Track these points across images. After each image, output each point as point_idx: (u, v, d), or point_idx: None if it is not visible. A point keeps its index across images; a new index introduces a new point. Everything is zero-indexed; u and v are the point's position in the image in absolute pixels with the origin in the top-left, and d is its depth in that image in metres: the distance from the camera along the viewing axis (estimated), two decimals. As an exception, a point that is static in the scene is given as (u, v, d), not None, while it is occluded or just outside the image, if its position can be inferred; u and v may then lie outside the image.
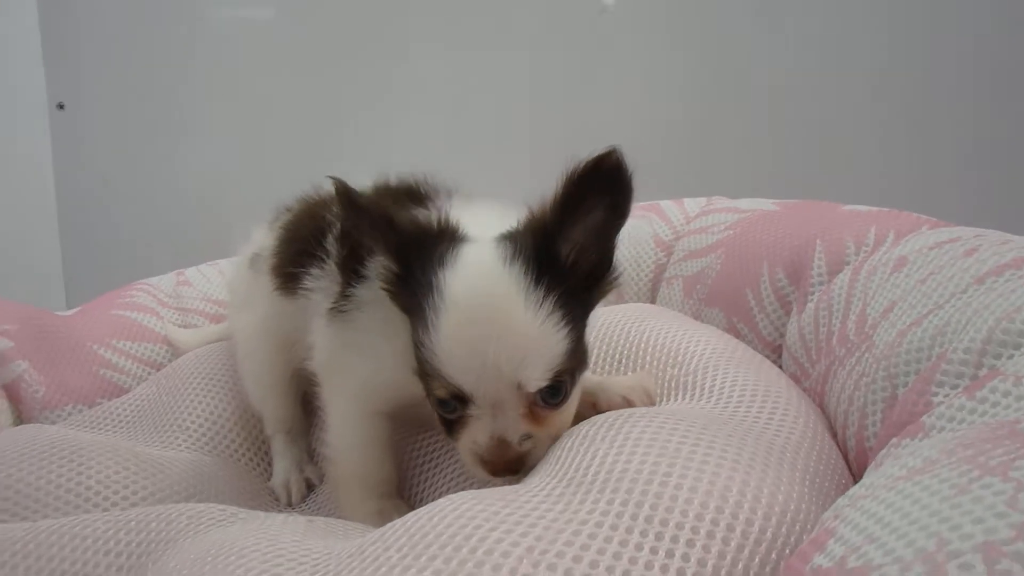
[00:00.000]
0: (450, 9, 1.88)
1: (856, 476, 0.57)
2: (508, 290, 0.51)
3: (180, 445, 0.82)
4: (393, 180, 0.72)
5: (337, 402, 0.69)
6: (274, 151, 1.98)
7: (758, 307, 0.84)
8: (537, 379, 0.52)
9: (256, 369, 0.83)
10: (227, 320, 0.99)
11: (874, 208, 0.82)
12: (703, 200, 1.10)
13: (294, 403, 0.84)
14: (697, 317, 0.93)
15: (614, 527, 0.40)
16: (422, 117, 1.94)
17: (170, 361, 1.03)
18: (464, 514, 0.42)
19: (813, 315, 0.75)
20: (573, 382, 0.56)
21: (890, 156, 1.76)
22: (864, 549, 0.31)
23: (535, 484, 0.49)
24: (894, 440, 0.48)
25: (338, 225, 0.67)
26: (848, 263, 0.76)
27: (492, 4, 1.86)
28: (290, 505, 0.79)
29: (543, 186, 0.54)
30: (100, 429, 0.89)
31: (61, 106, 2.06)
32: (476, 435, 0.54)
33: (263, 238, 0.82)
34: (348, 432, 0.69)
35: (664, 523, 0.41)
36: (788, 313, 0.82)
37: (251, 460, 0.85)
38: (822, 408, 0.67)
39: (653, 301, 1.05)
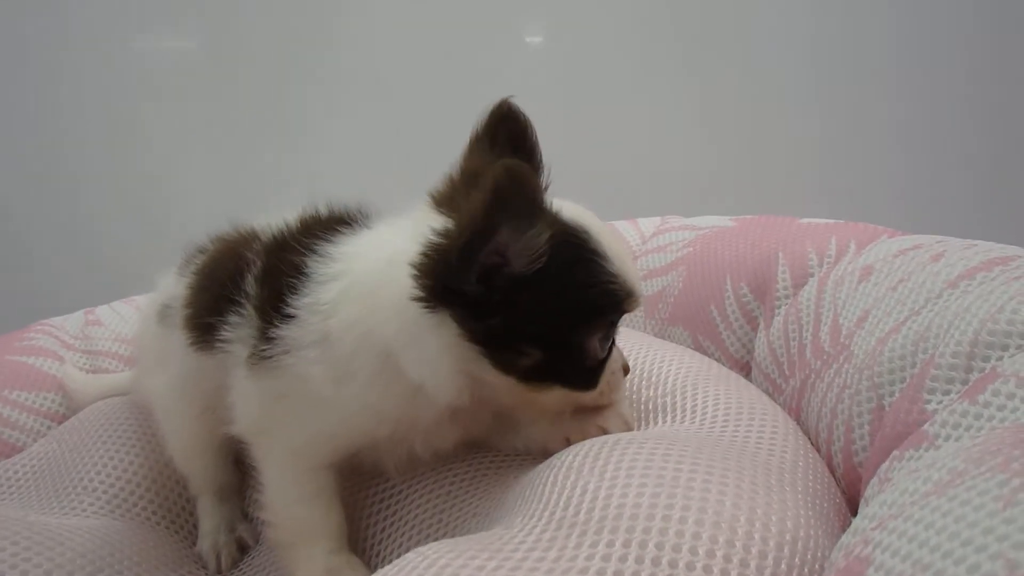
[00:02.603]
0: (375, 37, 1.86)
1: (845, 494, 0.55)
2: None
3: (85, 510, 0.72)
4: (323, 210, 0.65)
5: (273, 459, 0.61)
6: (194, 181, 1.89)
7: (724, 323, 0.83)
8: None
9: (177, 434, 0.73)
10: (133, 374, 0.87)
11: (830, 220, 0.82)
12: (657, 219, 1.09)
13: (224, 464, 0.75)
14: (661, 337, 0.91)
15: (619, 573, 0.36)
16: (351, 142, 1.90)
17: (73, 413, 0.91)
18: (443, 570, 0.37)
19: (782, 328, 0.73)
20: None
21: (832, 169, 1.82)
22: (916, 578, 0.28)
23: (519, 527, 0.44)
24: (895, 453, 0.45)
25: (259, 263, 0.60)
26: (813, 274, 0.75)
27: (412, 32, 1.85)
28: (219, 572, 0.70)
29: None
30: None
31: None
32: (615, 354, 0.58)
33: (172, 286, 0.72)
34: (288, 489, 0.61)
35: (674, 564, 0.37)
36: (755, 328, 0.80)
37: (172, 523, 0.75)
38: (799, 423, 0.65)
39: (613, 324, 1.02)
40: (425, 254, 0.50)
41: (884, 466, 0.46)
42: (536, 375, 0.53)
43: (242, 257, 0.62)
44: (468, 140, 0.61)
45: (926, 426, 0.44)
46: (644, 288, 0.98)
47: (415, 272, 0.50)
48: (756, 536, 0.39)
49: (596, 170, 1.59)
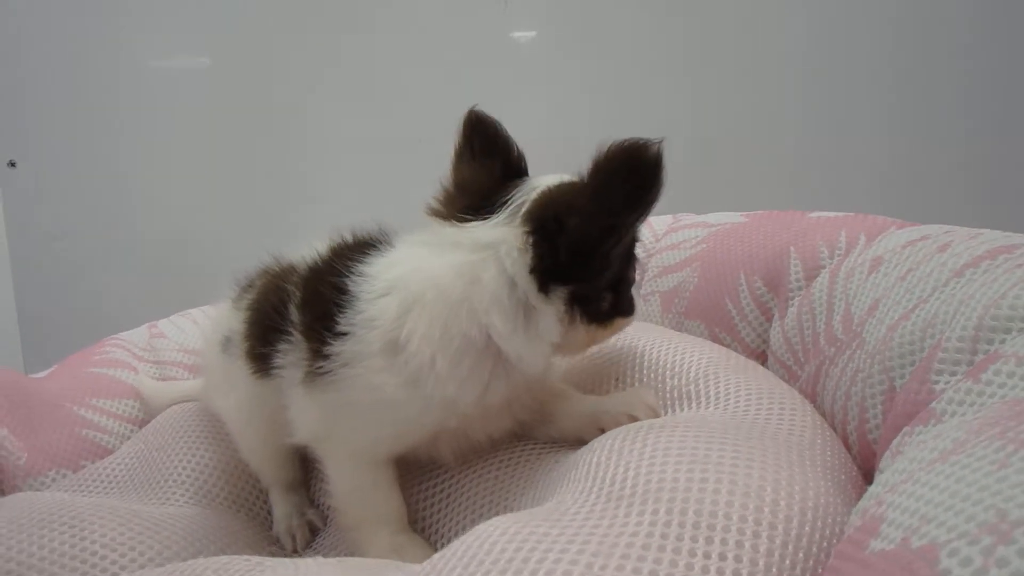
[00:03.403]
0: (384, 52, 1.91)
1: (860, 468, 0.60)
2: None
3: (178, 500, 0.80)
4: (349, 236, 0.71)
5: (336, 459, 0.68)
6: (229, 196, 1.97)
7: (739, 316, 0.87)
8: None
9: (247, 445, 0.81)
10: (201, 385, 0.94)
11: (839, 213, 0.86)
12: (669, 217, 1.13)
13: (291, 464, 0.82)
14: (678, 330, 0.96)
15: (664, 536, 0.41)
16: (368, 157, 1.96)
17: (150, 417, 1.00)
18: (514, 537, 0.42)
19: (796, 319, 0.78)
20: None
21: (838, 164, 1.85)
22: (924, 529, 0.32)
23: (571, 502, 0.49)
24: (906, 429, 0.50)
25: (298, 293, 0.66)
26: (824, 267, 0.80)
27: (416, 46, 1.90)
28: (296, 551, 0.76)
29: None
30: (90, 492, 0.85)
31: (12, 164, 2.03)
32: None
33: (230, 319, 0.79)
34: (350, 482, 0.67)
35: (711, 528, 0.41)
36: (769, 320, 0.85)
37: (251, 509, 0.83)
38: (815, 406, 0.70)
39: (633, 318, 1.07)
40: (533, 252, 0.58)
41: (896, 441, 0.50)
42: (609, 315, 0.64)
43: (284, 290, 0.68)
44: (453, 154, 0.67)
45: (933, 404, 0.49)
46: (660, 284, 1.03)
47: (537, 260, 0.58)
48: (782, 503, 0.44)
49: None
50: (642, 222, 0.61)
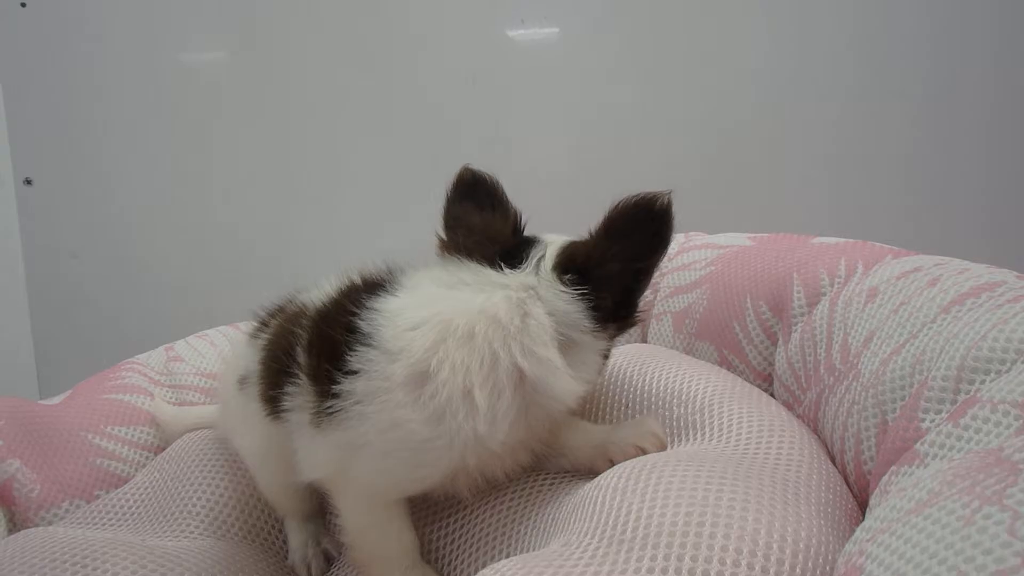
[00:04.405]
0: (404, 44, 1.93)
1: (857, 497, 0.63)
2: None
3: (192, 532, 0.81)
4: (358, 277, 0.73)
5: (347, 499, 0.69)
6: (249, 213, 2.00)
7: (746, 339, 0.90)
8: None
9: (263, 480, 0.83)
10: (217, 412, 0.96)
11: (841, 240, 0.89)
12: (681, 237, 1.16)
13: (307, 497, 0.83)
14: (689, 350, 0.99)
15: (663, 581, 0.45)
16: (387, 153, 1.98)
17: (166, 443, 1.01)
18: (521, 584, 0.46)
19: (799, 345, 0.81)
20: None
21: (841, 187, 1.86)
22: (894, 585, 0.36)
23: (575, 544, 0.53)
24: (893, 468, 0.53)
25: (305, 336, 0.68)
26: (824, 294, 0.82)
27: (434, 40, 1.92)
28: None
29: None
30: (104, 525, 0.86)
31: (28, 181, 2.06)
32: None
33: (247, 356, 0.81)
34: (362, 521, 0.69)
35: (706, 573, 0.45)
36: (775, 343, 0.88)
37: (265, 540, 0.85)
38: (816, 432, 0.73)
39: (645, 338, 1.10)
40: (603, 283, 0.66)
41: (884, 479, 0.54)
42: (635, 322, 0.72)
43: (293, 333, 0.70)
44: (445, 197, 0.74)
45: (918, 444, 0.52)
46: (671, 304, 1.06)
47: (595, 300, 0.66)
48: (774, 546, 0.47)
49: (609, 181, 1.66)
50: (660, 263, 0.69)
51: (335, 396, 0.62)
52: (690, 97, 1.86)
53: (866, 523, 0.46)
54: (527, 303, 0.64)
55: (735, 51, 1.83)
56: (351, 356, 0.62)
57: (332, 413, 0.62)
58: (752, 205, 1.82)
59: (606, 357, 0.73)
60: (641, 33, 1.86)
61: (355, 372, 0.61)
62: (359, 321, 0.64)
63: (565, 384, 0.64)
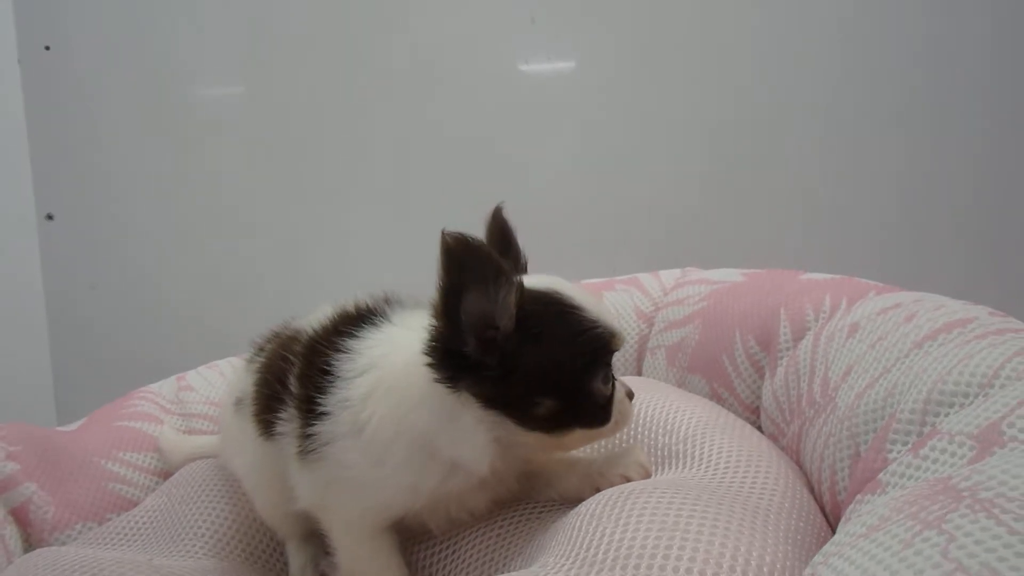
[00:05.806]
0: (417, 78, 1.99)
1: (832, 526, 0.65)
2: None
3: (197, 553, 0.84)
4: (351, 306, 0.74)
5: (335, 528, 0.72)
6: (261, 246, 2.05)
7: (735, 372, 0.93)
8: None
9: (261, 503, 0.85)
10: (219, 441, 0.99)
11: (828, 276, 0.92)
12: (678, 272, 1.19)
13: (306, 519, 0.83)
14: (681, 384, 1.01)
15: (628, 600, 0.47)
16: (399, 186, 2.02)
17: (171, 469, 1.05)
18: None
19: (784, 379, 0.83)
20: None
21: (841, 220, 1.88)
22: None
23: (551, 565, 0.55)
24: (859, 496, 0.55)
25: (297, 364, 0.70)
26: (809, 329, 0.85)
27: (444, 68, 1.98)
28: None
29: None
30: (113, 545, 0.89)
31: (50, 217, 2.14)
32: (619, 385, 0.67)
33: (243, 380, 0.83)
34: (352, 550, 0.72)
35: (670, 592, 0.47)
36: (762, 377, 0.90)
37: (267, 562, 0.88)
38: (799, 464, 0.75)
39: (639, 371, 1.13)
40: (428, 337, 0.60)
41: (850, 508, 0.56)
42: (556, 424, 0.63)
43: (286, 359, 0.72)
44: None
45: (881, 474, 0.54)
46: (665, 338, 1.09)
47: (427, 357, 0.60)
48: (738, 569, 0.49)
49: (608, 217, 1.70)
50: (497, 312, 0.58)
51: (309, 437, 0.66)
52: (703, 128, 1.88)
53: (825, 548, 0.48)
54: (408, 363, 0.63)
55: (740, 84, 1.87)
56: (321, 399, 0.65)
57: (308, 452, 0.67)
58: (755, 238, 1.84)
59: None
60: (651, 67, 1.89)
61: (325, 415, 0.65)
62: (332, 361, 0.67)
63: (453, 450, 0.63)
